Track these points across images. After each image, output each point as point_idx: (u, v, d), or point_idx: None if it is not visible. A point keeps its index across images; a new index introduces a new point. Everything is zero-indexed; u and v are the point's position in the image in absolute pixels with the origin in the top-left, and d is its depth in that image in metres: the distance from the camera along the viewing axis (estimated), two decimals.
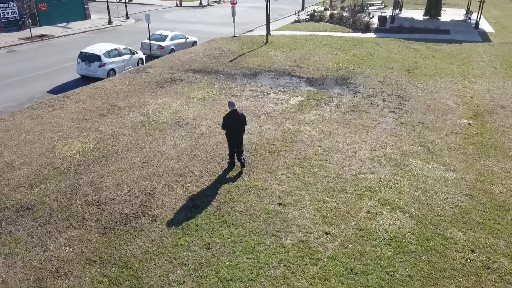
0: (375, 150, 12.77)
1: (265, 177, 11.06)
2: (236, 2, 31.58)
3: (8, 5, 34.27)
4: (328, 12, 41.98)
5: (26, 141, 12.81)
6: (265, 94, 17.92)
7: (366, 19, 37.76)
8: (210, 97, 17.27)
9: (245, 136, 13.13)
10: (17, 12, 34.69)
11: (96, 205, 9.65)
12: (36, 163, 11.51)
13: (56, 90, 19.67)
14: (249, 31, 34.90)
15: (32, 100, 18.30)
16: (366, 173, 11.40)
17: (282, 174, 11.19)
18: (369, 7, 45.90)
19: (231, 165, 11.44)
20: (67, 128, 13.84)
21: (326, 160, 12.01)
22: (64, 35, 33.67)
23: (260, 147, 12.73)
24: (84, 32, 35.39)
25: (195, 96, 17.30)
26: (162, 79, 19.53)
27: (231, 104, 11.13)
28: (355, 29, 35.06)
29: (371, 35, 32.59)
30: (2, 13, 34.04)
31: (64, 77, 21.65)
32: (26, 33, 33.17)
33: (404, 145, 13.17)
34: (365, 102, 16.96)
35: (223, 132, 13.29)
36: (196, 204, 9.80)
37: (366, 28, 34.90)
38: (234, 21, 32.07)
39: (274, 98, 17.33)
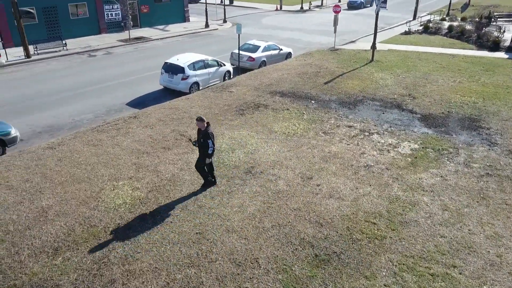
0: None
1: (359, 286, 7.55)
2: (340, 11, 27.94)
3: (112, 6, 34.84)
4: (446, 24, 35.99)
5: (74, 179, 10.92)
6: (366, 134, 14.19)
7: (495, 34, 31.30)
8: (296, 133, 14.09)
9: (335, 204, 9.75)
10: (120, 13, 35.19)
11: None
12: (73, 214, 9.42)
13: (134, 103, 18.22)
14: (351, 42, 31.00)
15: (109, 112, 16.99)
16: None
17: (385, 286, 7.58)
18: (498, 19, 38.64)
19: (214, 182, 10.59)
20: (123, 164, 11.74)
21: (454, 267, 8.08)
22: (160, 38, 33.17)
23: (355, 226, 9.20)
24: (179, 35, 34.66)
25: (278, 130, 14.26)
26: (244, 103, 16.85)
27: (202, 119, 9.74)
28: (481, 46, 29.10)
29: (502, 55, 26.56)
30: (106, 14, 34.70)
31: (147, 86, 20.25)
32: (125, 34, 33.36)
33: None
34: (507, 162, 12.34)
35: (305, 193, 10.07)
36: None
37: (495, 45, 28.74)
38: (335, 31, 28.49)
39: (378, 142, 13.54)
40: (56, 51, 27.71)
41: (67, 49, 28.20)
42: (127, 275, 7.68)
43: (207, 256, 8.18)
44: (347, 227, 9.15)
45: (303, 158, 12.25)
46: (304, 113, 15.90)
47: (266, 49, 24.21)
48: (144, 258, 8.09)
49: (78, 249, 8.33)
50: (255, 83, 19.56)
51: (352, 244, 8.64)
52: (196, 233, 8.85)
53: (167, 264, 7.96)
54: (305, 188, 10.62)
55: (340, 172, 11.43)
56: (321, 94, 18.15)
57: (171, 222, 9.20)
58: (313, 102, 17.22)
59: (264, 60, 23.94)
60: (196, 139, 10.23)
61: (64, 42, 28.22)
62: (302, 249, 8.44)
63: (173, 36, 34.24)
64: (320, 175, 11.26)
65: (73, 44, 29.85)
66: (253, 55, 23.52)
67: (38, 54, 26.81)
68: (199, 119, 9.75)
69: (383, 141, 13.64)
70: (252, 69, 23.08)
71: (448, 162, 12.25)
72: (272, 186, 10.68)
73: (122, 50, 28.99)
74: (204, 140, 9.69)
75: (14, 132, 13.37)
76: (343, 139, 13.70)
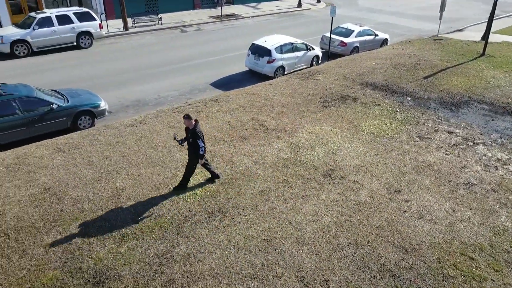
0: None
1: None
2: None
3: None
4: None
5: (150, 161, 10.86)
6: (469, 143, 12.26)
7: None
8: (386, 133, 12.64)
9: (426, 227, 8.42)
10: None
11: None
12: (144, 200, 9.31)
13: (218, 83, 18.00)
14: (458, 30, 27.61)
15: (192, 91, 16.97)
16: None
17: None
18: None
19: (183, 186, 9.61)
20: None
21: None
22: (250, 16, 32.69)
23: (448, 259, 7.81)
24: (270, 14, 33.85)
25: (365, 128, 12.93)
26: (330, 94, 15.63)
27: (189, 116, 8.81)
28: None
29: None
30: None
31: (232, 67, 19.93)
32: (217, 11, 33.45)
33: None
34: None
35: (390, 209, 8.82)
36: None
37: None
38: (440, 18, 25.47)
39: (484, 156, 11.59)
40: (151, 25, 28.58)
41: (161, 24, 28.95)
42: (187, 276, 7.29)
43: (273, 269, 7.48)
44: (437, 259, 7.81)
45: (392, 165, 10.87)
46: (397, 111, 14.27)
47: (360, 34, 22.43)
48: (206, 260, 7.64)
49: (143, 238, 8.16)
50: (345, 72, 18.13)
51: (443, 281, 7.33)
52: (264, 239, 8.18)
53: (230, 271, 7.42)
54: (391, 202, 9.36)
55: (434, 188, 9.91)
56: (419, 91, 16.21)
57: (239, 222, 8.63)
58: (409, 99, 15.43)
59: (356, 46, 22.24)
60: (182, 138, 9.30)
61: (159, 16, 28.96)
62: (381, 277, 7.35)
63: (264, 15, 33.51)
64: (411, 189, 9.87)
65: (167, 18, 30.58)
66: (346, 40, 21.92)
67: (135, 27, 27.89)
68: (187, 117, 8.82)
69: (490, 154, 11.65)
70: (342, 55, 21.61)
71: None
72: (352, 196, 9.58)
73: (212, 27, 29.02)
74: (194, 140, 8.81)
75: (103, 104, 13.78)
76: (441, 147, 11.97)
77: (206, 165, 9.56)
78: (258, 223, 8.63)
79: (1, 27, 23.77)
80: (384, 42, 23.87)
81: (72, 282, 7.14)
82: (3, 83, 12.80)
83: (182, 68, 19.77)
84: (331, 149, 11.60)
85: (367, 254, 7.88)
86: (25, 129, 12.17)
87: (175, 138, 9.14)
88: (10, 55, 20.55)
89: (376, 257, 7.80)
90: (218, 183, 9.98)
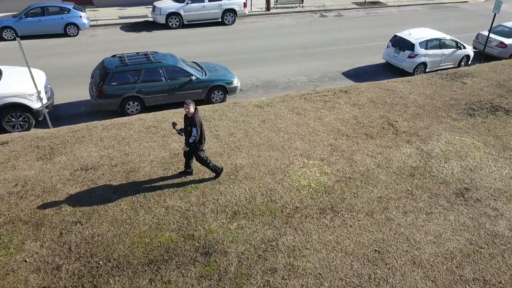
0: None
1: None
2: None
3: None
4: None
5: (270, 144, 10.95)
6: None
7: None
8: None
9: None
10: None
11: None
12: (259, 182, 9.44)
13: (350, 73, 17.38)
14: None
15: (322, 79, 16.72)
16: None
17: None
18: None
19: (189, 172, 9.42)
20: (319, 142, 11.12)
21: None
22: (396, 5, 30.61)
23: None
24: (418, 4, 31.22)
25: None
26: (478, 101, 13.73)
27: (190, 103, 8.37)
28: None
29: None
30: None
31: (368, 58, 19.04)
32: None
33: None
34: None
35: None
36: None
37: None
38: None
39: None
40: (292, 7, 28.70)
41: (302, 6, 28.86)
42: (289, 269, 7.18)
43: (380, 285, 6.92)
44: None
45: None
46: None
47: None
48: (311, 258, 7.42)
49: (253, 220, 8.28)
50: (500, 78, 15.73)
51: None
52: (375, 250, 7.61)
53: (333, 275, 7.09)
54: None
55: None
56: None
57: (351, 226, 8.18)
58: None
59: None
60: (181, 127, 8.71)
61: None
62: None
63: (411, 5, 31.00)
64: None
65: (309, 1, 30.33)
66: (507, 41, 19.07)
67: (276, 8, 28.32)
68: (187, 103, 8.28)
69: None
70: (500, 58, 18.85)
71: None
72: (488, 224, 8.30)
73: (354, 13, 27.95)
74: (190, 128, 8.27)
75: (236, 82, 14.34)
76: None
77: (200, 158, 8.96)
78: (371, 231, 8.06)
79: None
80: None
81: (184, 246, 7.63)
82: (154, 52, 14.14)
83: (316, 53, 19.47)
84: (469, 165, 10.21)
85: None
86: (166, 95, 13.33)
87: (174, 127, 8.76)
88: (164, 26, 22.74)
89: None
90: (335, 179, 9.59)
